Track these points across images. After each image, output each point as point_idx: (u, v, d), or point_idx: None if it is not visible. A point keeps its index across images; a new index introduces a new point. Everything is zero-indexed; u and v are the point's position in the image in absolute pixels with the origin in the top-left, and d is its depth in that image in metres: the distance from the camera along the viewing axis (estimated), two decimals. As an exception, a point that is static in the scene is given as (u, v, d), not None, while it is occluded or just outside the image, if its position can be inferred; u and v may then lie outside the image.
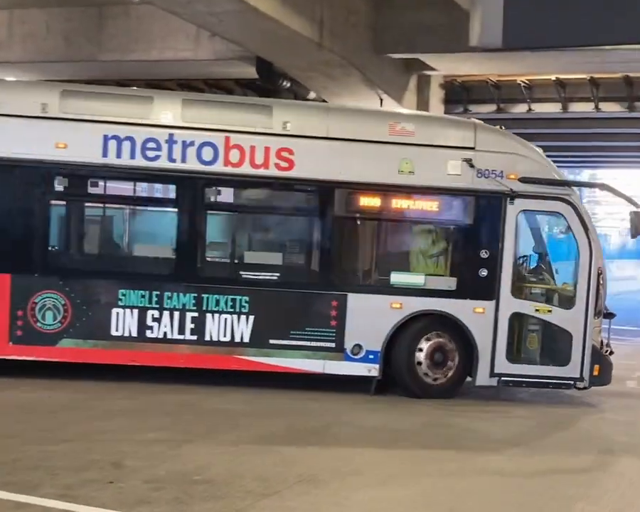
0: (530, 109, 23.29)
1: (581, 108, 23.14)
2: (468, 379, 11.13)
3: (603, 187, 12.48)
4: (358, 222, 11.37)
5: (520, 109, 23.49)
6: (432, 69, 20.67)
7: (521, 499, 6.84)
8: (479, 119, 24.39)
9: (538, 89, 23.14)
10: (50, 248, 10.87)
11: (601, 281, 11.04)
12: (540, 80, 22.76)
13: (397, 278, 10.97)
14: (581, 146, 28.33)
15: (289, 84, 20.36)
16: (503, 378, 10.94)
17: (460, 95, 23.37)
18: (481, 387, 11.10)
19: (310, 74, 19.07)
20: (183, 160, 10.58)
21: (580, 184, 15.74)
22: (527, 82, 22.78)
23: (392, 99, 20.48)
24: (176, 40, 19.29)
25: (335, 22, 17.38)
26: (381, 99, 20.16)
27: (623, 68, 20.55)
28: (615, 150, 29.75)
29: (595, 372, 11.05)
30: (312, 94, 21.09)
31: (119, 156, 10.49)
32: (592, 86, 22.27)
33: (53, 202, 10.79)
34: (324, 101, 21.00)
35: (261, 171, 10.65)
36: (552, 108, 23.34)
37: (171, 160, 10.57)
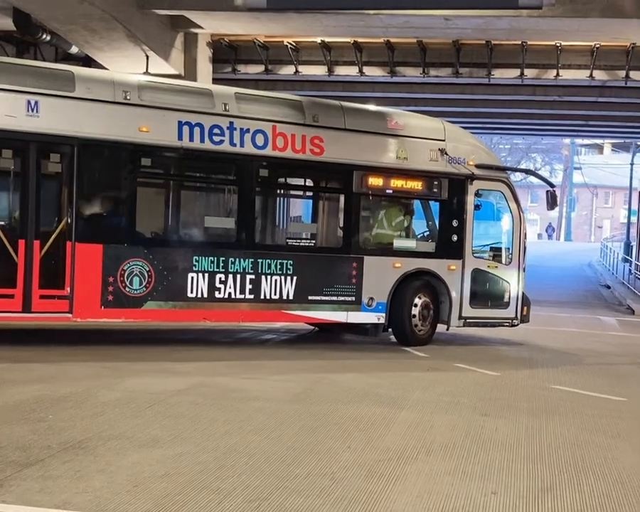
0: (297, 71, 23.61)
1: (346, 71, 23.71)
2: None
3: (528, 172, 17.69)
4: (370, 198, 13.69)
5: (287, 70, 23.76)
6: (199, 27, 20.40)
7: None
8: (248, 79, 24.73)
9: (305, 52, 23.49)
10: (136, 221, 11.77)
11: (525, 244, 14.55)
12: (307, 42, 23.10)
13: (397, 243, 13.62)
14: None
15: (49, 38, 19.47)
16: (467, 320, 13.87)
17: (228, 55, 23.30)
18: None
19: (71, 27, 18.26)
20: (242, 144, 12.14)
21: (512, 169, 18.74)
22: (294, 43, 23.02)
23: (159, 57, 20.06)
24: None
25: (96, -26, 16.75)
26: (147, 56, 19.69)
27: (384, 33, 21.19)
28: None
29: (524, 313, 14.44)
30: (74, 49, 20.27)
31: (191, 139, 11.81)
32: (356, 50, 22.86)
33: (139, 180, 11.93)
34: (87, 56, 20.31)
35: (299, 155, 12.59)
36: (318, 70, 23.77)
37: (232, 144, 12.10)
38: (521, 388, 10.63)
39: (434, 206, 14.15)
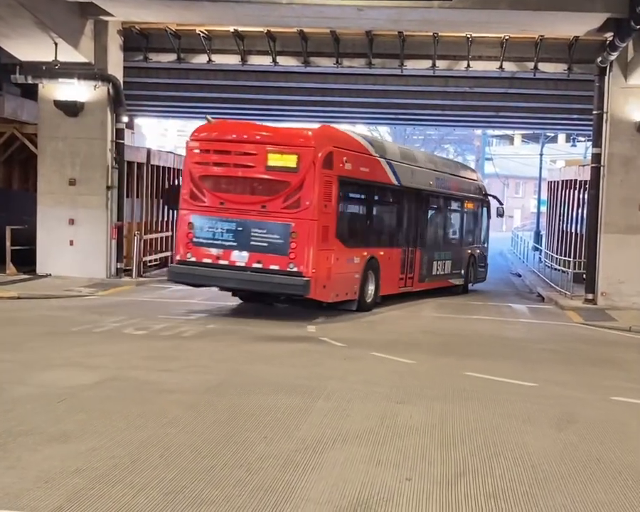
0: (210, 60, 23.38)
1: (260, 61, 23.55)
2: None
3: (494, 197, 28.00)
4: (466, 213, 25.13)
5: (200, 59, 23.51)
6: (109, 14, 20.03)
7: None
8: (160, 68, 24.38)
9: (218, 41, 23.26)
10: (423, 235, 21.48)
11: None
12: (220, 31, 22.88)
13: (468, 238, 25.34)
14: (261, 98, 28.82)
15: (-47, 25, 18.93)
16: (477, 279, 25.83)
17: (139, 43, 22.94)
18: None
19: (-24, 13, 17.74)
20: (441, 187, 22.69)
21: (491, 196, 28.39)
22: (206, 32, 22.80)
23: (68, 44, 19.64)
24: None
25: (3, -42, 16.31)
26: (56, 44, 19.25)
27: (297, 23, 21.14)
28: (293, 104, 30.59)
29: (486, 272, 27.18)
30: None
31: (435, 186, 22.31)
32: (269, 39, 22.75)
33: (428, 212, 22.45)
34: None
35: (454, 192, 23.94)
36: (231, 60, 23.56)
37: (439, 188, 22.53)
38: (435, 376, 10.78)
39: (475, 216, 25.84)
